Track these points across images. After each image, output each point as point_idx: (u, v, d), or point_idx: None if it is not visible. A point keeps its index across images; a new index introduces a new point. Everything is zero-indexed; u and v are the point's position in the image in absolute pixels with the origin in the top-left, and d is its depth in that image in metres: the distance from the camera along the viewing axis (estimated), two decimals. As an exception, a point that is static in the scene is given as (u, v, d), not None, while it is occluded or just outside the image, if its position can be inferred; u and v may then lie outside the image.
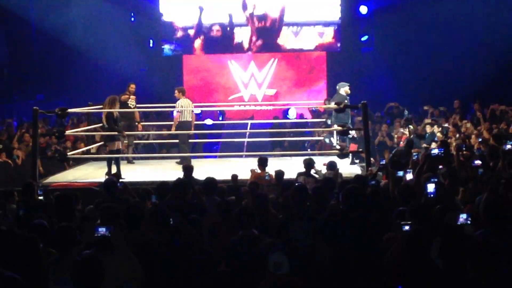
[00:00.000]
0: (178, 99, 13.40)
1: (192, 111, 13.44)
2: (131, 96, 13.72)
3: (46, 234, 5.76)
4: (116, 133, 12.09)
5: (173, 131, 13.49)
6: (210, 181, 8.09)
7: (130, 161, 13.90)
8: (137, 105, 14.08)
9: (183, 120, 13.39)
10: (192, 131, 13.45)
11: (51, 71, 21.06)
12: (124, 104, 13.40)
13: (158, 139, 15.85)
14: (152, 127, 16.56)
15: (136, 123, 14.06)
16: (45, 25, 20.86)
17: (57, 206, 6.59)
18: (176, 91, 13.64)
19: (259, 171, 9.85)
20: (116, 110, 12.29)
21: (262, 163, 9.90)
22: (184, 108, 13.23)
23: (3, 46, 22.07)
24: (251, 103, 21.44)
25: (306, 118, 18.20)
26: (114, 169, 11.61)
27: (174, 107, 13.47)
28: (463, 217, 5.41)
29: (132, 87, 13.93)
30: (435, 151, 8.24)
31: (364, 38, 22.45)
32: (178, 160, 13.31)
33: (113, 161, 12.01)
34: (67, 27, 20.72)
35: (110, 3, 21.11)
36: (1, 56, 21.95)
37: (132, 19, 22.54)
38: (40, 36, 20.97)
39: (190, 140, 13.72)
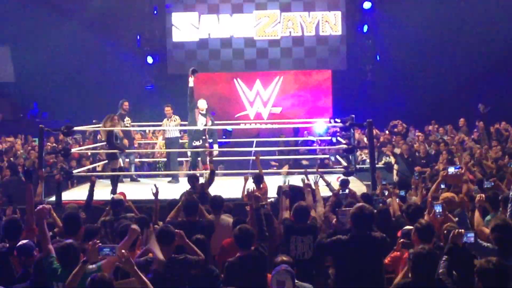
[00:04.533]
0: (170, 116, 13.64)
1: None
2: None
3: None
4: (116, 151, 12.16)
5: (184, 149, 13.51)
6: (217, 199, 8.07)
7: (134, 178, 13.90)
8: (142, 123, 14.17)
9: (172, 136, 13.65)
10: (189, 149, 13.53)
11: (57, 89, 21.11)
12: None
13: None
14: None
15: (134, 141, 14.15)
16: (50, 43, 20.99)
17: (64, 225, 6.59)
18: (169, 108, 13.79)
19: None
20: (118, 128, 12.35)
21: (257, 180, 9.80)
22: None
23: (9, 64, 22.18)
24: (257, 121, 21.43)
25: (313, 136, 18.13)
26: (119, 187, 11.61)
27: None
28: (469, 236, 5.38)
29: (126, 105, 13.98)
30: (452, 169, 8.19)
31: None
32: (170, 178, 13.33)
33: (109, 179, 12.07)
34: (72, 45, 20.87)
35: (115, 19, 21.26)
36: (7, 73, 22.05)
37: (138, 37, 22.57)
38: (45, 54, 21.03)
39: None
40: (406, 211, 7.09)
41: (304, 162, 15.05)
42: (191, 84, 13.32)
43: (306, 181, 8.58)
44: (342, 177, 10.65)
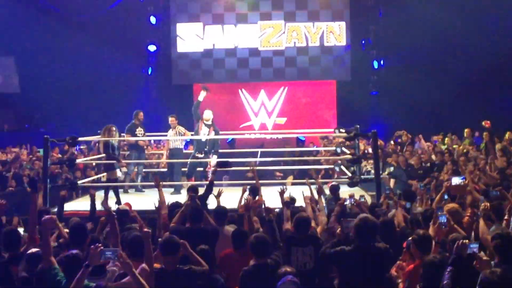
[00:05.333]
0: (175, 127, 13.65)
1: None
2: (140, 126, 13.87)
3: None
4: (114, 161, 12.23)
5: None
6: (220, 210, 8.06)
7: (139, 189, 13.89)
8: (147, 134, 14.19)
9: (175, 147, 13.67)
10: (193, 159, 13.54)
11: (62, 100, 21.17)
12: (133, 133, 13.53)
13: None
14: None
15: (144, 152, 14.16)
16: (55, 54, 21.07)
17: (71, 235, 6.61)
18: (174, 118, 13.81)
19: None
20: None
21: (254, 192, 9.75)
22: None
23: (14, 75, 22.26)
24: (262, 131, 21.46)
25: (317, 146, 18.13)
26: (111, 197, 11.60)
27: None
28: (473, 247, 5.37)
29: (141, 115, 14.03)
30: (456, 179, 8.17)
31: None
32: (172, 190, 13.31)
33: (111, 190, 12.05)
34: (77, 56, 20.96)
35: (120, 30, 21.34)
36: (12, 85, 22.14)
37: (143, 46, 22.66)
38: (51, 65, 21.12)
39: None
40: (411, 221, 7.11)
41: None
42: (201, 98, 13.40)
43: (306, 193, 8.65)
44: (333, 183, 10.70)
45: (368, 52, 22.34)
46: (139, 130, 13.92)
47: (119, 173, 12.40)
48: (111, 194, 12.06)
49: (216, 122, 13.66)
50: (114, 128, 12.55)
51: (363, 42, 22.46)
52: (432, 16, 20.44)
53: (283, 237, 7.04)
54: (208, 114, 13.34)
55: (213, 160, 13.23)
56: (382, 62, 22.29)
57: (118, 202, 11.50)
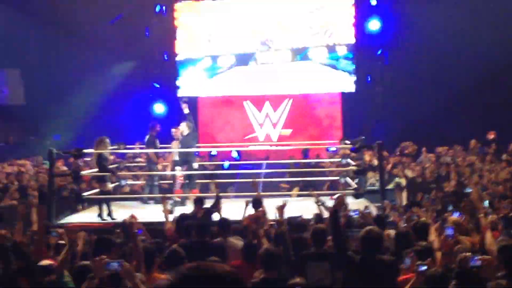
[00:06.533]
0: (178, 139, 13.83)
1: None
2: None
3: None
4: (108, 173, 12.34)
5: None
6: (224, 221, 8.06)
7: (145, 201, 13.90)
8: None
9: (177, 159, 13.81)
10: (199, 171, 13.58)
11: (68, 112, 21.19)
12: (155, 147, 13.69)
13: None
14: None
15: (155, 164, 14.25)
16: (61, 66, 21.14)
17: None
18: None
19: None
20: (107, 150, 12.57)
21: (256, 204, 9.72)
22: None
23: (20, 87, 22.33)
24: (267, 143, 21.45)
25: (322, 158, 18.11)
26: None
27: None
28: (475, 260, 5.34)
29: (158, 127, 14.21)
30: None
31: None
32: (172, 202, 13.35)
33: (103, 202, 12.14)
34: (83, 68, 21.03)
35: (127, 43, 21.40)
36: (17, 97, 22.20)
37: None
38: (56, 77, 21.19)
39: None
40: (414, 230, 7.11)
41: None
42: (186, 111, 13.84)
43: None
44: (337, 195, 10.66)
45: (374, 63, 22.27)
46: (157, 143, 14.10)
47: (109, 186, 12.56)
48: (118, 205, 12.18)
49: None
50: (107, 140, 12.64)
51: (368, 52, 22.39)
52: (435, 26, 20.44)
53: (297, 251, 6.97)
54: (181, 126, 13.71)
55: (177, 171, 13.48)
56: (388, 69, 22.19)
57: (109, 214, 11.72)
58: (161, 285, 5.36)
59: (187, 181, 13.80)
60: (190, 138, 13.82)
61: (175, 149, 14.05)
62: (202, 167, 15.46)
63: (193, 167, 13.81)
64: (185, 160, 13.73)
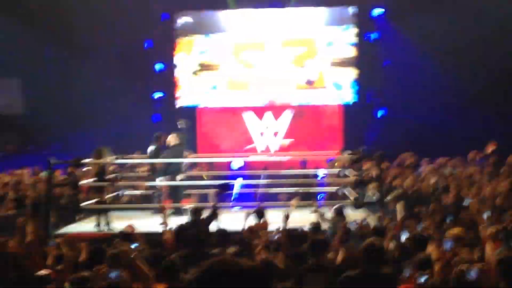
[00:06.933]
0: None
1: None
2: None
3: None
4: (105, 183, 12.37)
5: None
6: (223, 232, 8.03)
7: (155, 212, 13.89)
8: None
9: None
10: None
11: (67, 122, 21.17)
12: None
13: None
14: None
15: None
16: (61, 76, 21.15)
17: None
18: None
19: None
20: (106, 161, 12.57)
21: (259, 215, 9.67)
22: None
23: (18, 97, 22.32)
24: (266, 153, 21.41)
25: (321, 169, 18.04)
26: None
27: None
28: (472, 273, 5.31)
29: (163, 138, 14.29)
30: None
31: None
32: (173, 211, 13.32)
33: (102, 212, 12.17)
34: (83, 79, 21.02)
35: (126, 55, 21.40)
36: (15, 106, 22.18)
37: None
38: (55, 86, 21.19)
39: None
40: (413, 240, 7.10)
41: None
42: (181, 126, 14.42)
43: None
44: (337, 205, 10.71)
45: (375, 74, 22.26)
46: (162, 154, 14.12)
47: (108, 196, 12.60)
48: (118, 214, 12.22)
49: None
50: (106, 150, 12.66)
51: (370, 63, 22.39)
52: (436, 35, 20.47)
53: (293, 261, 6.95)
54: (169, 137, 14.10)
55: (158, 181, 13.68)
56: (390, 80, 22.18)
57: (97, 224, 11.77)
58: (187, 278, 5.34)
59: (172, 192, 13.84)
60: (175, 150, 13.91)
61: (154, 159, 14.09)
62: (199, 177, 15.40)
63: (176, 179, 13.80)
64: (169, 171, 13.75)
